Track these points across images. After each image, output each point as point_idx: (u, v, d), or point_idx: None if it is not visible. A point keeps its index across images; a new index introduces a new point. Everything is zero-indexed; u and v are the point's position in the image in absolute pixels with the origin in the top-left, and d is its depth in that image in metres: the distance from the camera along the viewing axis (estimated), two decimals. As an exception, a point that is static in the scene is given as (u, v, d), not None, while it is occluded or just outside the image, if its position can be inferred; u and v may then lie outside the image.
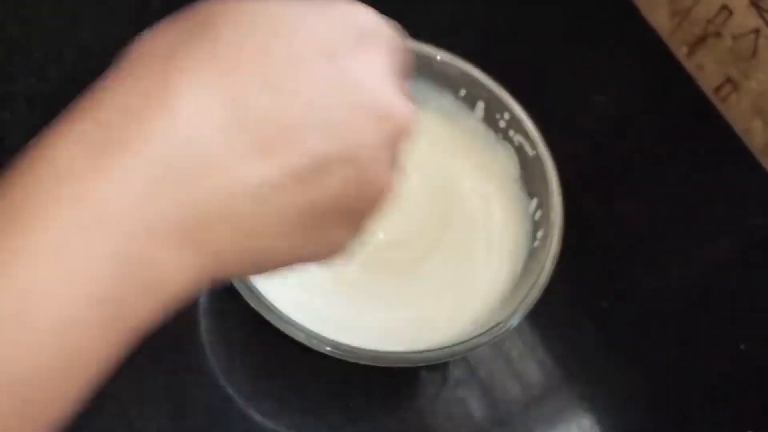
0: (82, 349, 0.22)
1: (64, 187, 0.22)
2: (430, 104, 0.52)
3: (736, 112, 0.63)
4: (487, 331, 0.42)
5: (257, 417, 0.45)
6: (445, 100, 0.52)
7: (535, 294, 0.43)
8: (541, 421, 0.48)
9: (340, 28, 0.27)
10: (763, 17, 0.58)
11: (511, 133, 0.50)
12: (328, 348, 0.40)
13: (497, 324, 0.42)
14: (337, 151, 0.25)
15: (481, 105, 0.51)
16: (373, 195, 0.27)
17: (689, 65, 0.65)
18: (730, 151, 0.63)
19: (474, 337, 0.42)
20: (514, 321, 0.42)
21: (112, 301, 0.22)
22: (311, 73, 0.25)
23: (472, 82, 0.50)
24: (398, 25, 0.30)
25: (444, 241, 0.48)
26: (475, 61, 0.50)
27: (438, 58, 0.50)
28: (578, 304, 0.53)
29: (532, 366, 0.50)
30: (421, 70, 0.51)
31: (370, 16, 0.28)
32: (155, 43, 0.25)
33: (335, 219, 0.27)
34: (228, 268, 0.25)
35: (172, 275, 0.23)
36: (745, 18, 0.59)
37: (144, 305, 0.23)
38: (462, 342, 0.42)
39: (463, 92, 0.51)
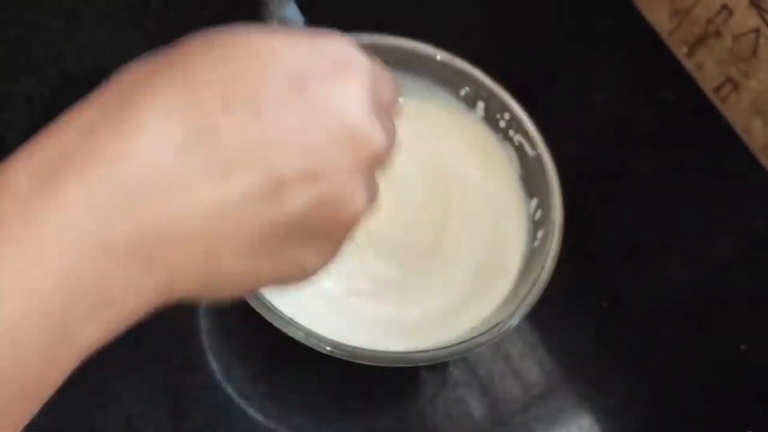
0: (26, 364, 0.22)
1: (16, 204, 0.22)
2: (430, 105, 0.52)
3: (736, 112, 0.63)
4: (487, 331, 0.42)
5: (257, 417, 0.45)
6: (446, 101, 0.52)
7: (535, 294, 0.43)
8: (541, 421, 0.48)
9: (315, 57, 0.26)
10: (763, 17, 0.58)
11: (511, 133, 0.50)
12: (328, 348, 0.40)
13: (497, 324, 0.42)
14: (300, 171, 0.25)
15: (481, 105, 0.51)
16: (341, 218, 0.27)
17: (689, 65, 0.65)
18: (730, 151, 0.63)
19: (474, 337, 0.42)
20: (514, 321, 0.42)
21: (57, 316, 0.22)
22: (278, 96, 0.25)
23: (472, 82, 0.50)
24: (377, 58, 0.29)
25: (444, 241, 0.48)
26: (475, 61, 0.50)
27: (438, 58, 0.50)
28: (578, 304, 0.53)
29: (532, 366, 0.50)
30: (421, 70, 0.51)
31: (348, 47, 0.28)
32: (131, 74, 0.25)
33: (300, 239, 0.26)
34: (186, 288, 0.25)
35: (122, 293, 0.23)
36: (745, 18, 0.59)
37: (91, 322, 0.23)
38: (462, 342, 0.42)
39: (463, 92, 0.51)
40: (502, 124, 0.50)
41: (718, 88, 0.63)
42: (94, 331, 0.23)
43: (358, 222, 0.28)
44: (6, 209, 0.22)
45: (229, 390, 0.46)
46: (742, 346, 0.53)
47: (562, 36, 0.66)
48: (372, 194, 0.28)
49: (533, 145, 0.48)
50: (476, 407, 0.48)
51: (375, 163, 0.27)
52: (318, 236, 0.27)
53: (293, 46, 0.27)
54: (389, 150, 0.28)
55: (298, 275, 0.28)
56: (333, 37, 0.28)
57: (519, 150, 0.50)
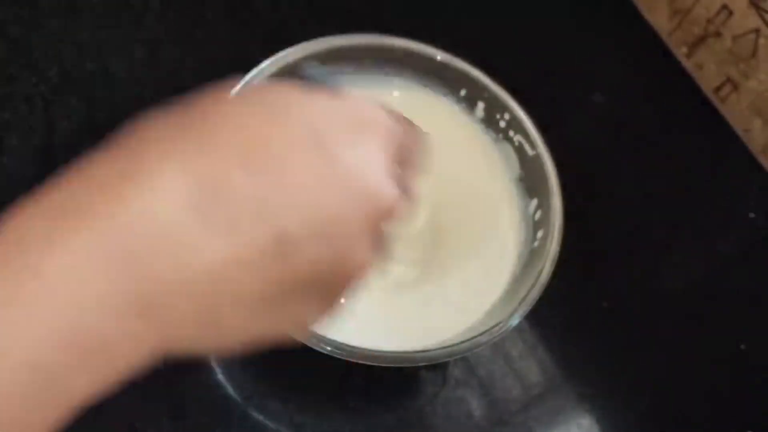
0: (18, 419, 0.22)
1: (19, 256, 0.22)
2: (430, 105, 0.52)
3: (736, 112, 0.63)
4: (487, 331, 0.42)
5: (257, 417, 0.45)
6: (445, 100, 0.52)
7: (535, 294, 0.43)
8: (541, 421, 0.48)
9: (334, 115, 0.26)
10: (763, 17, 0.58)
11: (511, 133, 0.50)
12: (328, 348, 0.40)
13: (497, 324, 0.42)
14: (308, 230, 0.25)
15: (481, 105, 0.51)
16: (346, 275, 0.27)
17: (689, 65, 0.65)
18: (730, 151, 0.63)
19: (474, 337, 0.42)
20: (514, 321, 0.42)
21: (53, 372, 0.22)
22: (293, 155, 0.25)
23: (472, 82, 0.50)
24: (401, 116, 0.29)
25: (444, 241, 0.48)
26: (475, 61, 0.50)
27: (438, 58, 0.50)
28: (578, 304, 0.53)
29: (532, 366, 0.50)
30: (421, 71, 0.51)
31: (369, 106, 0.28)
32: (146, 126, 0.25)
33: (302, 295, 0.26)
34: (185, 343, 0.25)
35: (119, 348, 0.23)
36: (745, 18, 0.59)
37: (85, 375, 0.23)
38: (462, 342, 0.42)
39: (463, 92, 0.51)
40: (502, 124, 0.50)
41: (718, 88, 0.63)
42: (87, 384, 0.23)
43: (360, 278, 0.28)
44: (12, 256, 0.22)
45: (229, 390, 0.46)
46: (742, 346, 0.53)
47: (562, 36, 0.66)
48: (378, 248, 0.28)
49: (533, 145, 0.48)
50: (476, 407, 0.48)
51: (383, 220, 0.27)
52: (320, 292, 0.27)
53: (313, 103, 0.26)
54: (400, 206, 0.28)
55: (296, 328, 0.28)
56: (354, 96, 0.28)
57: (519, 150, 0.50)
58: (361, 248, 0.27)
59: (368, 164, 0.26)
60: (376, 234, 0.27)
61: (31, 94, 0.54)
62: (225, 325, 0.25)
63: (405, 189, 0.28)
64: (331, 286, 0.27)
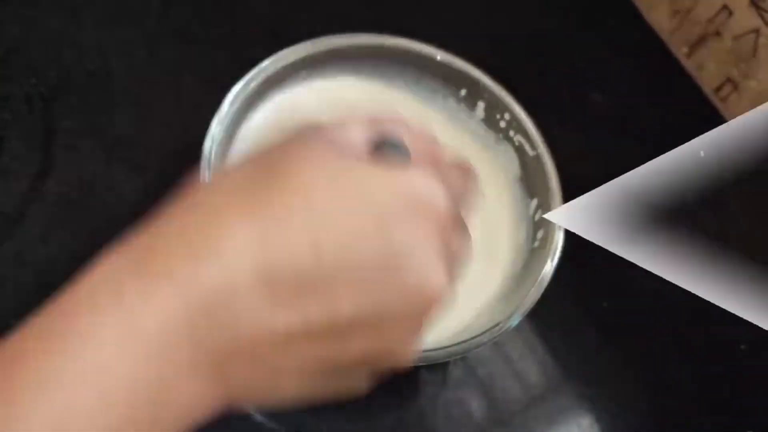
0: None
1: (108, 312, 0.23)
2: (430, 105, 0.52)
3: (736, 112, 0.63)
4: (487, 331, 0.42)
5: (257, 417, 0.45)
6: (446, 101, 0.52)
7: (535, 294, 0.43)
8: (541, 421, 0.48)
9: (396, 195, 0.28)
10: (763, 17, 0.58)
11: (512, 133, 0.50)
12: (328, 348, 0.40)
13: (497, 324, 0.42)
14: (362, 317, 0.26)
15: (481, 105, 0.51)
16: (390, 359, 0.29)
17: (689, 65, 0.65)
18: (730, 151, 0.63)
19: (474, 337, 0.42)
20: (514, 321, 0.42)
21: (143, 424, 0.23)
22: (356, 234, 0.26)
23: (472, 82, 0.50)
24: (467, 189, 0.31)
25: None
26: (475, 61, 0.50)
27: (438, 58, 0.50)
28: (578, 304, 0.53)
29: (532, 366, 0.50)
30: (421, 70, 0.51)
31: (430, 186, 0.29)
32: (219, 185, 0.27)
33: (352, 372, 0.29)
34: (244, 399, 0.27)
35: (186, 404, 0.25)
36: (745, 18, 0.59)
37: (168, 428, 0.24)
38: (462, 342, 0.42)
39: (463, 92, 0.51)
40: (502, 124, 0.50)
41: (718, 89, 0.63)
42: None
43: (402, 361, 0.30)
44: (91, 313, 0.23)
45: (229, 390, 0.46)
46: (742, 346, 0.53)
47: (562, 36, 0.66)
48: (418, 337, 0.30)
49: (533, 145, 0.48)
50: (476, 407, 0.48)
51: (430, 310, 0.29)
52: (365, 370, 0.29)
53: (377, 180, 0.28)
54: (445, 296, 0.29)
55: (344, 396, 0.30)
56: (416, 170, 0.29)
57: (519, 150, 0.50)
58: (405, 336, 0.29)
59: (423, 253, 0.28)
60: (422, 322, 0.29)
61: (31, 94, 0.54)
62: (283, 388, 0.28)
63: (453, 270, 0.30)
64: (375, 365, 0.29)
